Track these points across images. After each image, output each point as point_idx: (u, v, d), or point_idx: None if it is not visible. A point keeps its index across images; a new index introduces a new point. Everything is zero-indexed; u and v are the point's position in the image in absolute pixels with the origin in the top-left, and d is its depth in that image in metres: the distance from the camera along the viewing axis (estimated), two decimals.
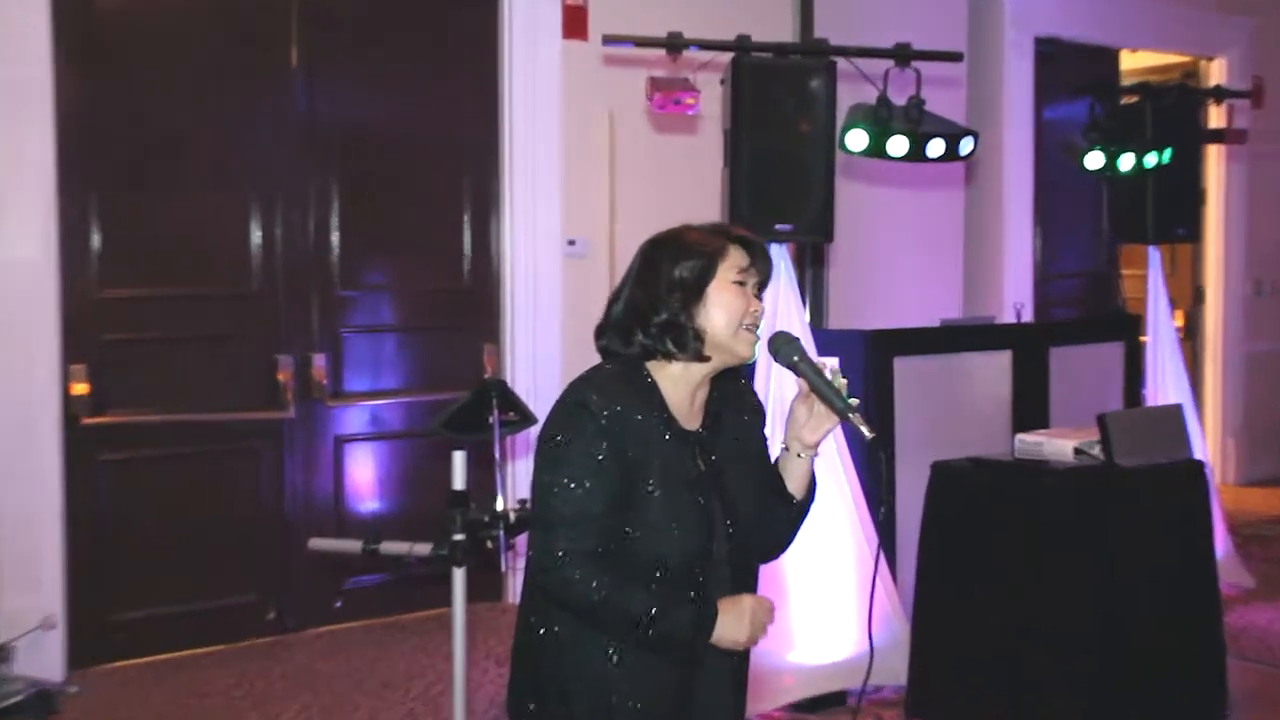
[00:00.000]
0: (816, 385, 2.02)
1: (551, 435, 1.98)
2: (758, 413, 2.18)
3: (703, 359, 2.03)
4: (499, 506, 3.05)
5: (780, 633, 3.93)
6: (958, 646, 3.73)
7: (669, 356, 2.03)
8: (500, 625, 4.67)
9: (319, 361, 4.65)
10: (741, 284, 2.05)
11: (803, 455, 2.09)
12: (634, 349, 2.04)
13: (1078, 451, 3.73)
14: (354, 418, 4.81)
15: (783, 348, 2.06)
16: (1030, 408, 4.77)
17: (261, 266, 4.56)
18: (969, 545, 3.74)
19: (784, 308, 4.02)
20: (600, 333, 2.10)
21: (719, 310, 2.02)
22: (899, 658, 3.91)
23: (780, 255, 4.07)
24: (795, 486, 2.11)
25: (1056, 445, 3.77)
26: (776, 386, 3.80)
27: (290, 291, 4.62)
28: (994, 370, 4.74)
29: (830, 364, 2.07)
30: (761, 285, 2.09)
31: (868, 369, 4.31)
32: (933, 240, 6.17)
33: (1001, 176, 6.41)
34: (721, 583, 2.02)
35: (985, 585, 3.67)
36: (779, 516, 2.12)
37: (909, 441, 4.35)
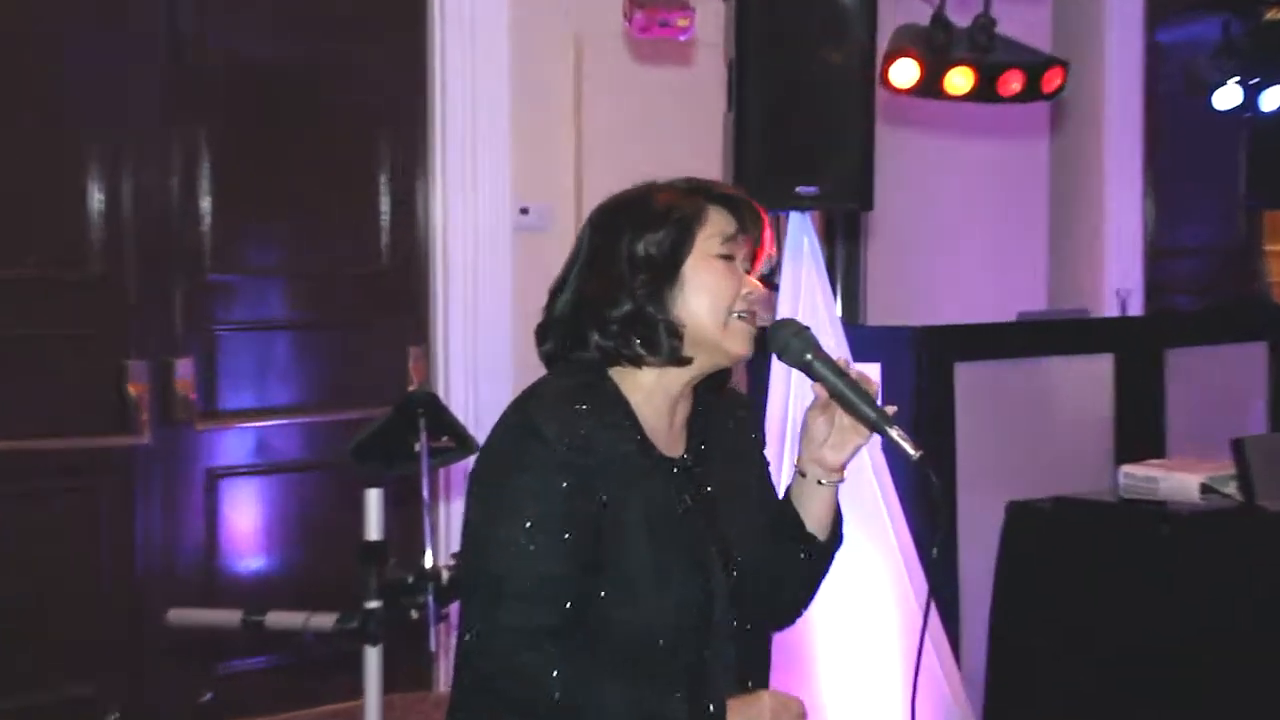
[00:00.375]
0: (838, 390, 2.01)
1: (493, 474, 1.97)
2: (752, 428, 2.19)
3: (683, 362, 2.02)
4: (428, 563, 3.05)
5: None
6: None
7: (637, 361, 2.02)
8: None
9: (184, 369, 4.62)
10: (729, 257, 2.03)
11: (825, 482, 2.08)
12: (589, 353, 2.03)
13: (1206, 489, 3.74)
14: (232, 445, 4.78)
15: (791, 341, 2.03)
16: (1139, 430, 4.77)
17: (104, 241, 4.52)
18: (1057, 614, 3.73)
19: (806, 297, 4.01)
20: (542, 334, 2.10)
21: (700, 294, 2.01)
22: None
23: (803, 228, 4.06)
24: (816, 524, 2.10)
25: (1176, 481, 3.78)
26: (798, 399, 3.79)
27: (144, 275, 4.58)
28: (1090, 380, 4.74)
29: (855, 365, 2.07)
30: (757, 257, 2.08)
31: (920, 378, 4.31)
32: (1007, 207, 6.17)
33: (1100, 121, 6.41)
34: (724, 663, 2.01)
35: (1081, 669, 3.67)
36: (793, 566, 2.10)
37: (976, 475, 4.34)
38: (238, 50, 4.70)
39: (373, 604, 3.07)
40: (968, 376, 4.43)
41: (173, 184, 4.63)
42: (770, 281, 4.28)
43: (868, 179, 4.07)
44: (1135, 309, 6.13)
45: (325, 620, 3.11)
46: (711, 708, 1.92)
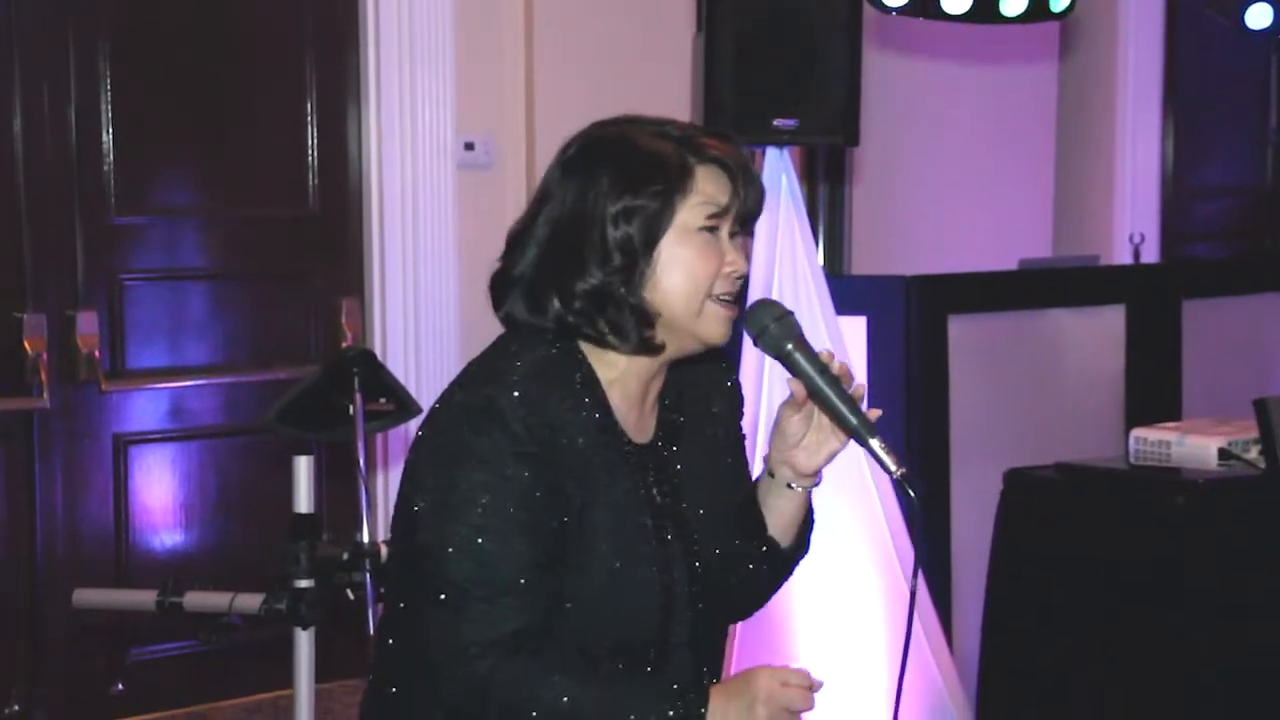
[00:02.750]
0: (818, 388, 1.97)
1: (445, 464, 1.94)
2: (733, 403, 2.18)
3: (653, 350, 2.01)
4: (364, 538, 3.07)
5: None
6: None
7: (601, 343, 2.01)
8: None
9: (86, 324, 4.61)
10: (713, 230, 2.00)
11: (795, 487, 2.07)
12: (548, 321, 2.01)
13: (1224, 455, 3.78)
14: (143, 408, 4.78)
15: (770, 326, 2.00)
16: (1153, 390, 4.81)
17: None
18: (1058, 592, 3.78)
19: (784, 244, 4.02)
20: (501, 291, 2.06)
21: (677, 274, 1.97)
22: None
23: (781, 166, 4.07)
24: (781, 529, 2.10)
25: (1192, 445, 3.81)
26: (770, 387, 3.82)
27: (38, 217, 4.57)
28: (1098, 334, 4.77)
29: (839, 360, 2.03)
30: (744, 224, 2.04)
31: (910, 333, 4.33)
32: (1010, 143, 6.19)
33: (1115, 45, 6.42)
34: (679, 663, 2.03)
35: (1084, 651, 3.72)
36: (750, 567, 2.11)
37: (972, 440, 4.38)
38: None
39: (303, 583, 3.09)
40: (963, 331, 4.45)
41: (69, 111, 4.60)
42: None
43: (853, 111, 4.07)
44: (1150, 256, 6.13)
45: (251, 601, 3.12)
46: (692, 696, 1.91)
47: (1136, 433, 3.91)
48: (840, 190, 5.11)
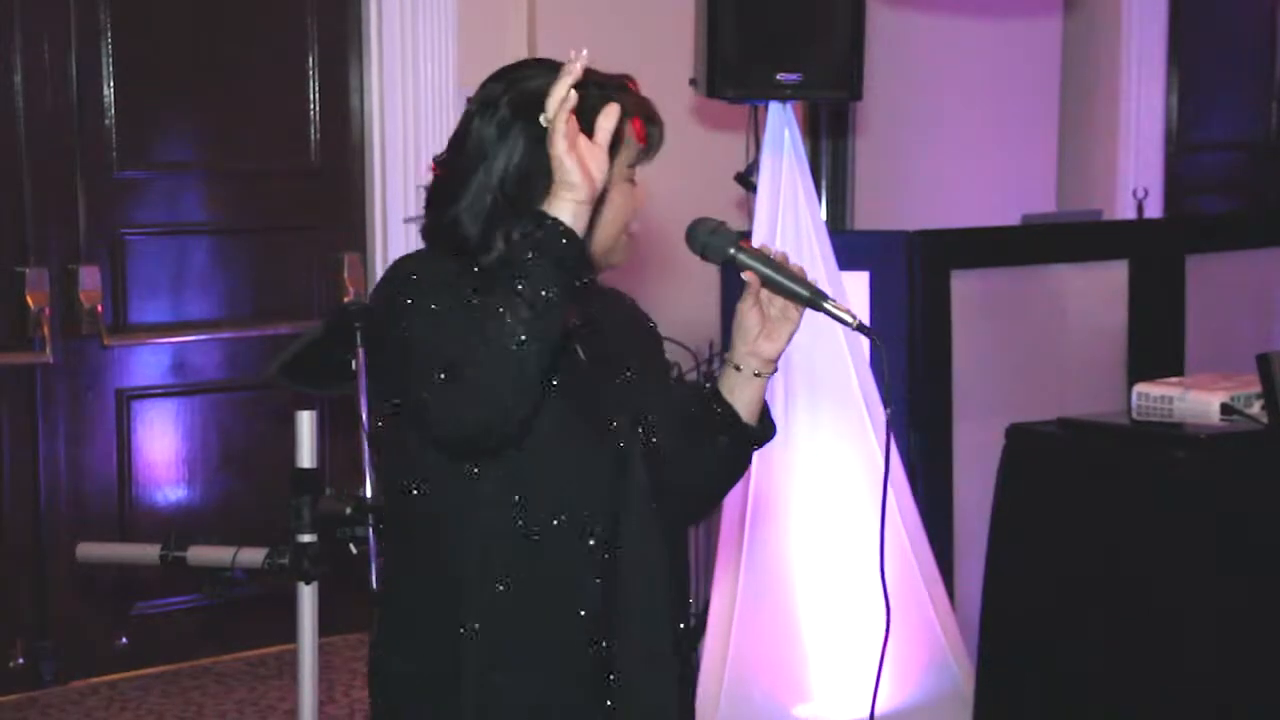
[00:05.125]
0: (769, 277, 2.17)
1: (392, 313, 2.06)
2: (644, 316, 2.35)
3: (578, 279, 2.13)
4: (367, 493, 3.08)
5: (788, 681, 3.98)
6: (1044, 701, 3.80)
7: None
8: None
9: (89, 278, 4.61)
10: (633, 181, 2.17)
11: (761, 374, 2.23)
12: (490, 257, 2.12)
13: (1227, 410, 3.77)
14: (146, 363, 4.79)
15: (710, 241, 2.19)
16: (1156, 345, 4.81)
17: None
18: (1061, 548, 3.78)
19: (787, 199, 4.02)
20: (435, 241, 2.17)
21: (611, 221, 2.14)
22: (958, 717, 3.97)
23: (784, 120, 4.06)
24: (750, 415, 2.25)
25: (1195, 401, 3.80)
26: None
27: (40, 171, 4.57)
28: (1101, 290, 4.77)
29: (776, 249, 2.23)
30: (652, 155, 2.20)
31: (913, 288, 4.33)
32: (1013, 97, 6.17)
33: None
34: (643, 541, 2.14)
35: (1087, 607, 3.72)
36: (718, 460, 2.25)
37: (974, 396, 4.39)
38: None
39: (306, 538, 3.10)
40: (966, 286, 4.45)
41: (70, 64, 4.59)
42: (747, 182, 4.29)
43: (857, 65, 4.06)
44: (1154, 211, 6.14)
45: (254, 556, 3.13)
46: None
47: (1139, 388, 3.90)
48: (843, 145, 5.10)
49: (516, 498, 2.08)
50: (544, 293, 1.92)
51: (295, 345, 3.21)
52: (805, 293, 2.16)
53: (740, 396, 2.23)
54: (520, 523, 2.08)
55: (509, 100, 2.12)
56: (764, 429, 2.28)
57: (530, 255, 1.94)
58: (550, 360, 1.98)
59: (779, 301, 2.18)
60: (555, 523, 2.09)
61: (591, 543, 2.11)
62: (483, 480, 2.07)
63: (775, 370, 2.24)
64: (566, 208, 1.95)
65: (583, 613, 2.10)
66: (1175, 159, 6.71)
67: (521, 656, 2.09)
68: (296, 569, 3.10)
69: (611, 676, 2.12)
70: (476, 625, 2.07)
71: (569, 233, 1.95)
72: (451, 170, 2.14)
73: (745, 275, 2.17)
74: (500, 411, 1.95)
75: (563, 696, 2.11)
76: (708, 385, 2.29)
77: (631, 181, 2.17)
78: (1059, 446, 3.83)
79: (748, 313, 2.19)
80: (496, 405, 1.94)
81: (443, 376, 1.96)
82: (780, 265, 2.17)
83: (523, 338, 1.91)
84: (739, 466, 2.31)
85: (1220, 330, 4.93)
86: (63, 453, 4.66)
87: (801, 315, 2.19)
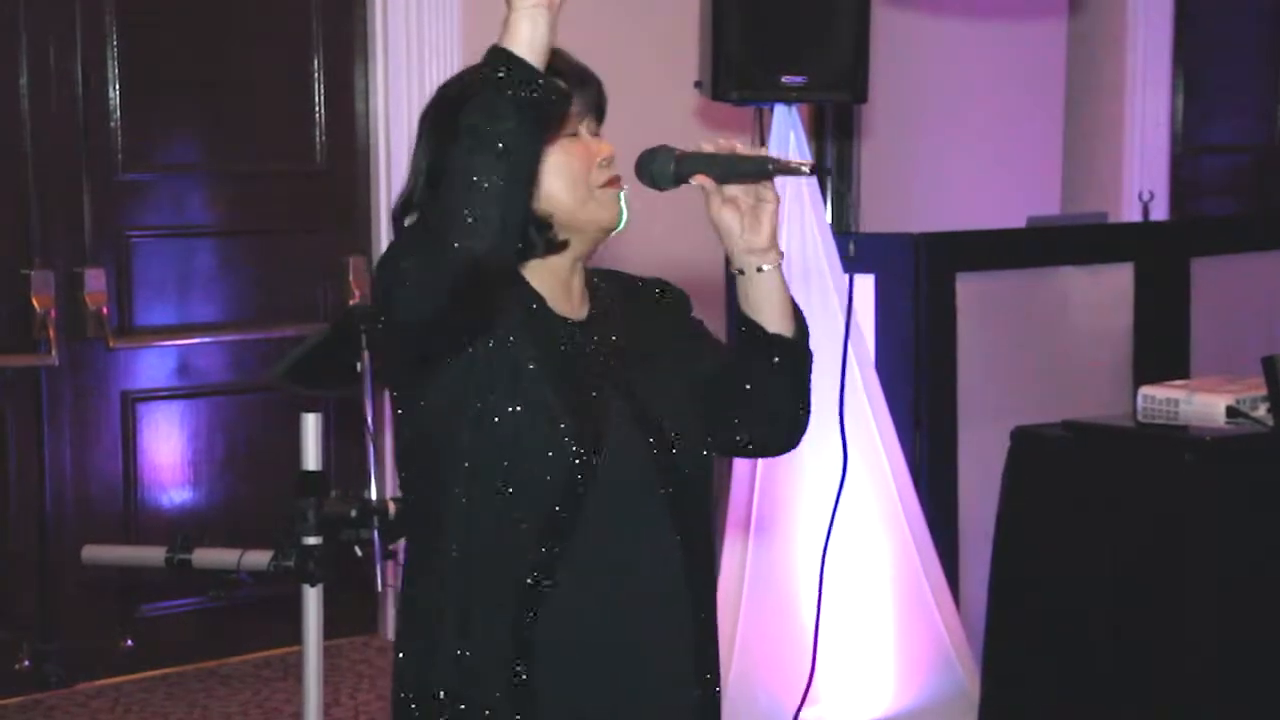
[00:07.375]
0: (720, 170, 2.17)
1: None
2: (677, 301, 2.34)
3: (560, 247, 2.16)
4: (372, 495, 3.08)
5: (794, 680, 3.98)
6: (1050, 703, 3.79)
7: (521, 259, 2.14)
8: (376, 670, 4.69)
9: (94, 281, 4.62)
10: (574, 134, 2.17)
11: (766, 267, 2.21)
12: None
13: (1233, 412, 3.77)
14: (150, 365, 4.79)
15: (654, 170, 2.19)
16: (1161, 348, 4.81)
17: None
18: (1066, 552, 3.78)
19: (792, 202, 4.01)
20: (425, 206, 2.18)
21: (556, 181, 2.14)
22: (962, 717, 3.96)
23: (789, 123, 4.06)
24: (776, 321, 2.23)
25: (1201, 403, 3.80)
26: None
27: (45, 174, 4.57)
28: (1106, 292, 4.76)
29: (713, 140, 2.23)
30: (598, 117, 2.21)
31: (918, 291, 4.32)
32: (1018, 99, 6.17)
33: (1124, 0, 6.40)
34: (656, 518, 2.13)
35: (1092, 611, 3.72)
36: (771, 379, 2.24)
37: (979, 398, 4.38)
38: None
39: (311, 540, 3.10)
40: (971, 289, 4.45)
41: (75, 67, 4.60)
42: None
43: (862, 68, 4.06)
44: (1159, 213, 6.13)
45: (259, 558, 3.13)
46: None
47: (1144, 390, 3.90)
48: (848, 147, 5.10)
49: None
50: (493, 125, 1.96)
51: (301, 347, 3.21)
52: (755, 166, 2.16)
53: (757, 303, 2.22)
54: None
55: (434, 111, 2.30)
56: (798, 334, 2.25)
57: (477, 90, 2.01)
58: (523, 170, 1.96)
59: (745, 188, 2.18)
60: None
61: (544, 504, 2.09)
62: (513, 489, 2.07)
63: (781, 256, 2.22)
64: (518, 19, 2.05)
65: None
66: (1180, 161, 6.71)
67: (554, 647, 2.07)
68: (302, 571, 3.10)
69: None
70: (509, 618, 2.06)
71: (508, 56, 2.02)
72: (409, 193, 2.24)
73: (695, 181, 2.18)
74: (475, 233, 1.91)
75: (594, 687, 2.10)
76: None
77: (573, 135, 2.17)
78: (1064, 449, 3.83)
79: (721, 214, 2.19)
80: (470, 231, 1.91)
81: (417, 239, 2.02)
82: (726, 155, 2.17)
83: (477, 176, 1.92)
84: (798, 379, 2.27)
85: (1226, 333, 4.93)
86: (68, 455, 4.66)
87: (775, 190, 2.19)
